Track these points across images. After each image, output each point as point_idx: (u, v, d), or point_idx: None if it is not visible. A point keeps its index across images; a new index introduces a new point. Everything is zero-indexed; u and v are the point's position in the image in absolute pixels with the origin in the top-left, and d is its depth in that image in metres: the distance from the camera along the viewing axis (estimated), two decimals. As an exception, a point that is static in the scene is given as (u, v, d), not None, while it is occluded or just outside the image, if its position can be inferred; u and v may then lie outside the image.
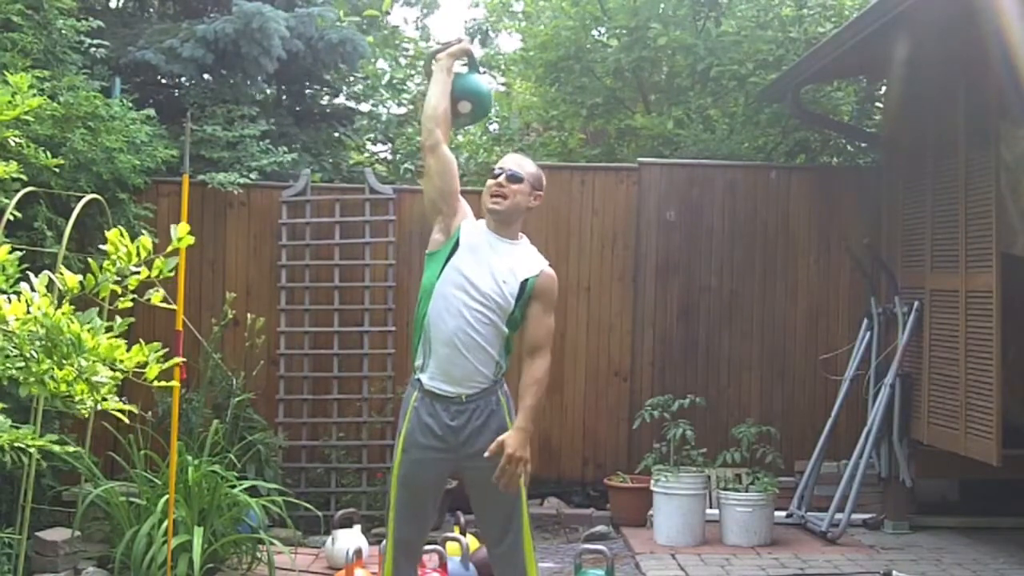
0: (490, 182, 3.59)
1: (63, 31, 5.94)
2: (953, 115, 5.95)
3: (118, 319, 2.26)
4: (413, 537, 3.60)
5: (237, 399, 5.96)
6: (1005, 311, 5.44)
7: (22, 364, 2.17)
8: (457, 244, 3.53)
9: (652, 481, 6.03)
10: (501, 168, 3.60)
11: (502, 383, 3.59)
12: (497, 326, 3.51)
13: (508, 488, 3.42)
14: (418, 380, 3.54)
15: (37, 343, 2.13)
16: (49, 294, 2.16)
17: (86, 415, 2.34)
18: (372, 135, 9.25)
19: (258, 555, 5.23)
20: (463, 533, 5.04)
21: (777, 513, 6.15)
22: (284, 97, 8.39)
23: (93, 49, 6.29)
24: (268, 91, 8.15)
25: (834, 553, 5.75)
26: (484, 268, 3.51)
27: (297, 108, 8.26)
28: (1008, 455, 5.38)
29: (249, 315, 6.28)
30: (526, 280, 3.54)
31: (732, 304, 6.91)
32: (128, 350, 2.19)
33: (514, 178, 3.56)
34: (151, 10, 8.54)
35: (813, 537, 6.08)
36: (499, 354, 3.54)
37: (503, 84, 11.51)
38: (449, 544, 4.86)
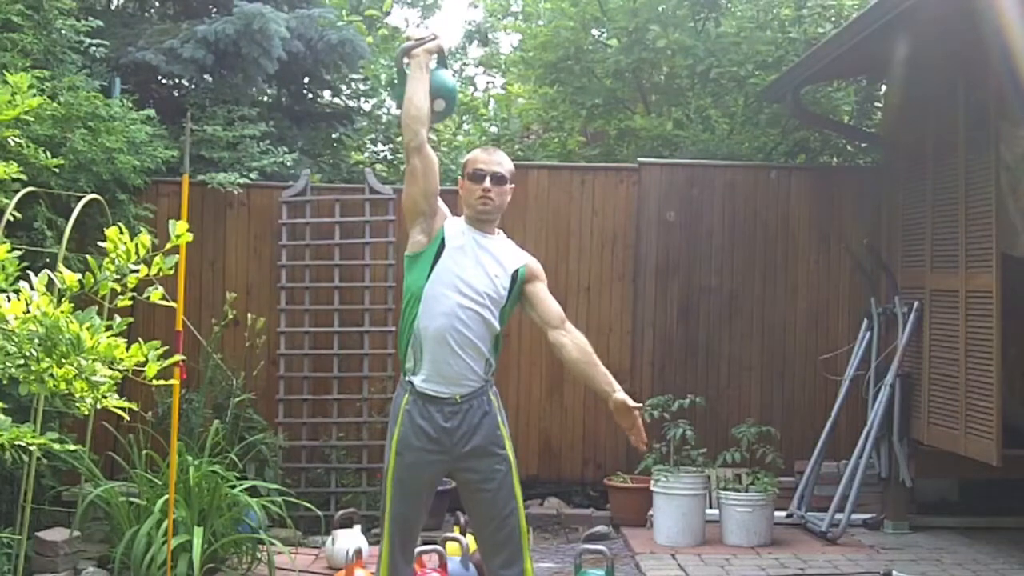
0: (473, 186, 3.57)
1: (63, 31, 5.94)
2: (953, 115, 5.95)
3: (117, 318, 2.26)
4: (408, 538, 3.61)
5: (237, 399, 5.97)
6: (1005, 311, 5.44)
7: (22, 363, 2.18)
8: (443, 244, 3.54)
9: (652, 481, 6.03)
10: (482, 170, 3.57)
11: (492, 383, 3.61)
12: (490, 322, 3.53)
13: (641, 439, 3.44)
14: (409, 383, 3.54)
15: (36, 342, 2.14)
16: (48, 293, 2.16)
17: (86, 413, 2.35)
18: (372, 135, 9.26)
19: (258, 555, 5.23)
20: (463, 533, 5.04)
21: (777, 513, 6.14)
22: (284, 97, 8.40)
23: (93, 49, 6.29)
24: (268, 91, 8.16)
25: (834, 553, 5.74)
26: (475, 265, 3.54)
27: (297, 108, 8.27)
28: (1008, 455, 5.38)
29: (249, 315, 6.28)
30: (516, 271, 3.61)
31: (732, 304, 6.91)
32: (127, 350, 2.19)
33: (500, 180, 3.58)
34: (151, 10, 8.54)
35: (813, 537, 6.08)
36: (490, 352, 3.56)
37: (503, 85, 11.51)
38: (449, 544, 4.86)
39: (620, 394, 3.43)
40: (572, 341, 3.57)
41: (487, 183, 3.55)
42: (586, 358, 3.54)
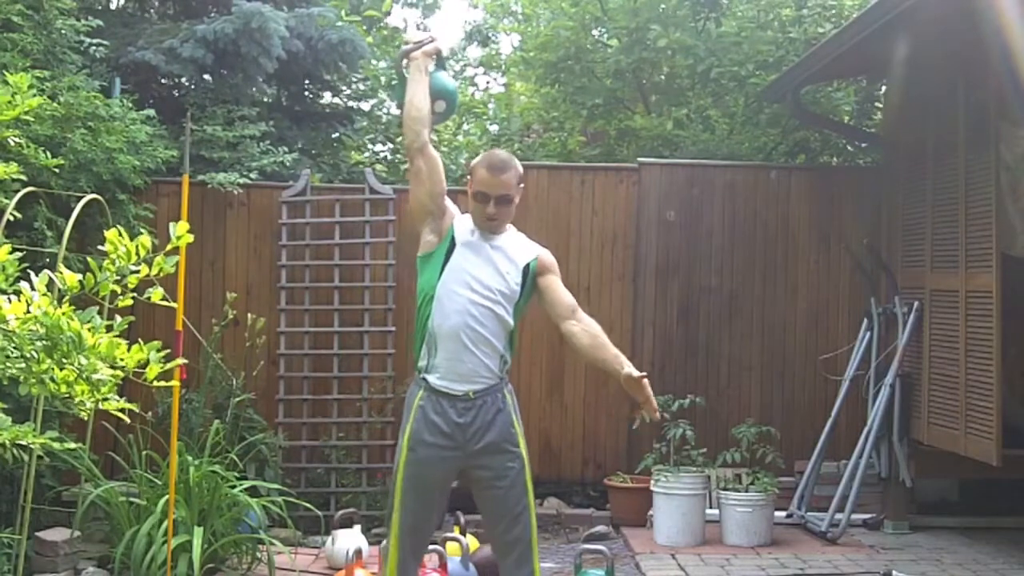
0: (478, 206, 3.54)
1: (63, 31, 5.94)
2: (953, 115, 5.95)
3: (118, 318, 2.26)
4: (419, 537, 3.58)
5: (237, 399, 5.97)
6: (1005, 311, 5.44)
7: (22, 364, 2.17)
8: (453, 243, 3.55)
9: (652, 481, 6.03)
10: (487, 194, 3.53)
11: (507, 380, 3.60)
12: (503, 319, 3.53)
13: (653, 408, 3.38)
14: (423, 379, 3.54)
15: (38, 343, 2.13)
16: (49, 293, 2.16)
17: (87, 416, 2.34)
18: (372, 135, 9.25)
19: (258, 555, 5.23)
20: (463, 533, 5.04)
21: (777, 513, 6.14)
22: (284, 98, 8.40)
23: (93, 49, 6.29)
24: (268, 91, 8.15)
25: (834, 553, 5.75)
26: (486, 263, 3.54)
27: (297, 108, 8.27)
28: (1008, 455, 5.38)
29: (249, 315, 6.27)
30: (527, 265, 3.60)
31: (732, 304, 6.91)
32: (128, 350, 2.19)
33: (505, 201, 3.56)
34: (151, 10, 8.54)
35: (813, 537, 6.08)
36: (504, 348, 3.56)
37: (504, 84, 11.51)
38: (449, 544, 4.86)
39: (627, 368, 3.37)
40: (582, 329, 3.52)
41: (491, 208, 3.54)
42: (595, 342, 3.49)
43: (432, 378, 3.52)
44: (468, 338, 3.47)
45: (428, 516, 3.59)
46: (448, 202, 3.62)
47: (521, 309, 3.60)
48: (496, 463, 3.52)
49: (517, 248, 3.63)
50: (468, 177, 3.64)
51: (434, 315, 3.50)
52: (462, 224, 3.60)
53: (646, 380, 3.35)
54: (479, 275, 3.52)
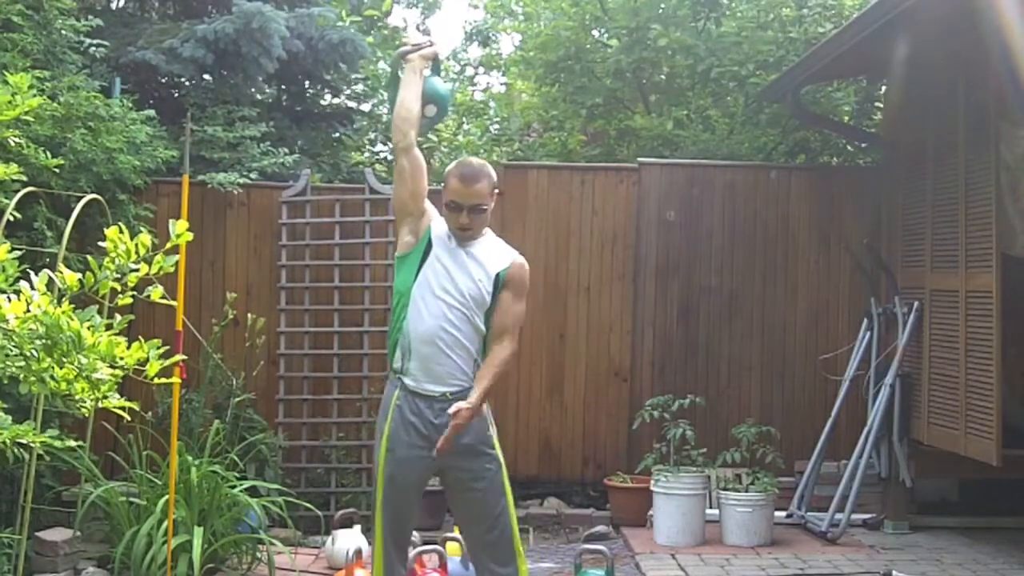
0: (451, 215, 3.55)
1: (63, 31, 5.94)
2: (953, 115, 5.95)
3: (118, 317, 2.26)
4: (402, 535, 3.63)
5: (237, 399, 5.96)
6: (1005, 311, 5.44)
7: (22, 363, 2.18)
8: (429, 246, 3.57)
9: (652, 481, 6.03)
10: (459, 204, 3.54)
11: None
12: (476, 324, 3.56)
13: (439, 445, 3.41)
14: (399, 380, 3.57)
15: (37, 341, 2.14)
16: (49, 293, 2.16)
17: (87, 414, 2.35)
18: (372, 135, 9.26)
19: (258, 555, 5.23)
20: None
21: (777, 513, 6.14)
22: (284, 98, 8.40)
23: (93, 49, 6.29)
24: (268, 91, 8.15)
25: (834, 553, 5.74)
26: (461, 269, 3.56)
27: (297, 108, 8.27)
28: (1008, 455, 5.38)
29: (249, 315, 6.27)
30: (498, 274, 3.61)
31: (732, 304, 6.91)
32: (128, 349, 2.20)
33: (478, 210, 3.56)
34: (151, 10, 8.54)
35: (813, 537, 6.08)
36: (478, 352, 3.59)
37: (504, 84, 11.52)
38: (449, 544, 4.86)
39: (463, 405, 3.39)
40: (489, 355, 3.56)
41: (464, 218, 3.56)
42: (482, 369, 3.54)
43: (408, 380, 3.55)
44: (444, 342, 3.50)
45: (409, 514, 3.64)
46: (428, 204, 3.63)
47: (492, 316, 3.61)
48: (474, 465, 3.56)
49: (492, 255, 3.64)
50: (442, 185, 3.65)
51: (409, 318, 3.52)
52: (440, 227, 3.61)
53: (460, 415, 3.36)
54: (454, 279, 3.54)
